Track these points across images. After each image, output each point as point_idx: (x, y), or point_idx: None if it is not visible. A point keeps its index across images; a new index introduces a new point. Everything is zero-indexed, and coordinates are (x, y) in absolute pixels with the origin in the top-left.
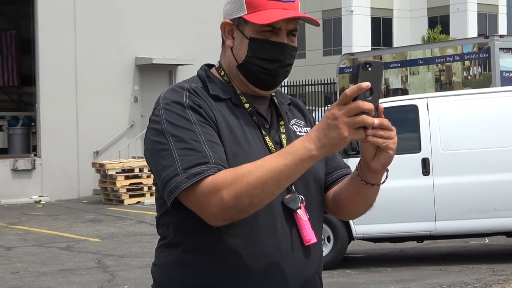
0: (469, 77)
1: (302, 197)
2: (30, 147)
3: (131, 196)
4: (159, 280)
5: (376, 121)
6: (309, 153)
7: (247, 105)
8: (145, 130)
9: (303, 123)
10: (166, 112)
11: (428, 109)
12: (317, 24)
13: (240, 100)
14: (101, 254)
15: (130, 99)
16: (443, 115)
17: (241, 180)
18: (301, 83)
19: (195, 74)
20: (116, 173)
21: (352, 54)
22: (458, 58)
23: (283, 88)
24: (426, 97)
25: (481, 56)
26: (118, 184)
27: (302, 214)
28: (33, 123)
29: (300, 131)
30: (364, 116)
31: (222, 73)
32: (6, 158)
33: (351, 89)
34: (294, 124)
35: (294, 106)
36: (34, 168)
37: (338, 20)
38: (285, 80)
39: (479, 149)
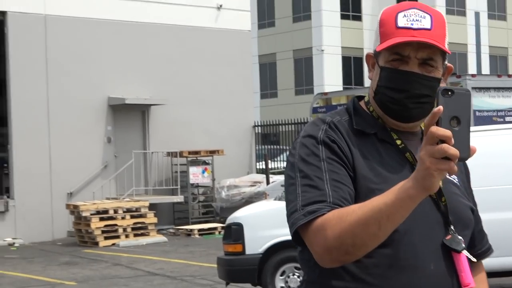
0: None
1: (462, 238)
2: (3, 189)
3: (106, 238)
4: None
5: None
6: (407, 191)
7: (398, 142)
8: (119, 171)
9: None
10: (301, 146)
11: None
12: (447, 52)
13: (390, 136)
14: None
15: (103, 139)
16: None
17: (345, 219)
18: (273, 123)
19: (168, 116)
20: (91, 214)
21: (325, 93)
22: None
23: (256, 128)
24: None
25: None
26: (93, 225)
27: (468, 255)
28: (5, 164)
29: (449, 176)
30: (445, 146)
31: (371, 108)
32: None
33: (428, 119)
34: None
35: None
36: (7, 210)
37: (309, 59)
38: (256, 120)
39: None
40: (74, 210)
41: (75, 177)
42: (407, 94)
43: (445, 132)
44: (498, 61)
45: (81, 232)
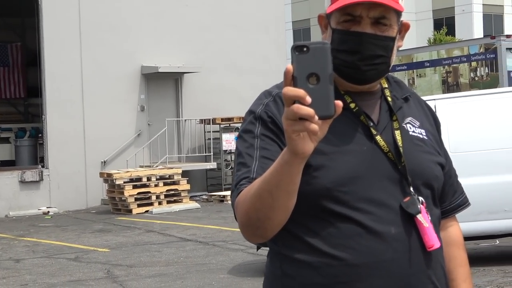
0: (476, 78)
1: (422, 199)
2: (38, 159)
3: (139, 206)
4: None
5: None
6: (282, 156)
7: (352, 105)
8: (152, 139)
9: (418, 123)
10: (243, 121)
11: (436, 111)
12: (400, 10)
13: (343, 99)
14: (110, 264)
15: (136, 108)
16: (451, 116)
17: (248, 195)
18: None
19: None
20: (124, 182)
21: None
22: (465, 59)
23: None
24: (434, 99)
25: (488, 57)
26: (126, 193)
27: (422, 219)
28: (40, 135)
29: (413, 131)
30: (295, 106)
31: None
32: (14, 170)
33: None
34: (408, 122)
35: (416, 101)
36: (42, 180)
37: None
38: None
39: (488, 150)
40: (107, 178)
41: (109, 146)
42: (360, 56)
43: (296, 91)
44: None
45: (115, 200)
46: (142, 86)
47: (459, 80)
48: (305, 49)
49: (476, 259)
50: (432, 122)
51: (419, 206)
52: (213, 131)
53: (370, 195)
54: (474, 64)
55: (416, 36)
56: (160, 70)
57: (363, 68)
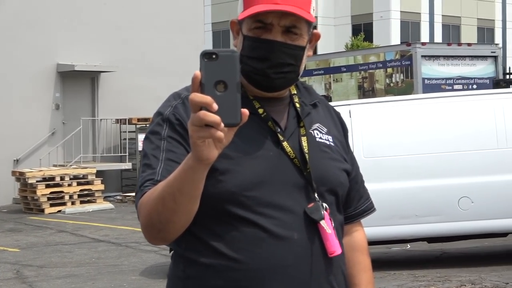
0: (392, 84)
1: (326, 205)
2: None
3: (52, 205)
4: None
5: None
6: (187, 161)
7: (261, 111)
8: (66, 138)
9: (325, 129)
10: (151, 122)
11: (350, 116)
12: (311, 21)
13: (252, 105)
14: (20, 264)
15: (51, 106)
16: (366, 122)
17: (151, 197)
18: None
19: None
20: (37, 181)
21: None
22: (381, 65)
23: None
24: (349, 104)
25: (403, 64)
26: (39, 192)
27: (325, 226)
28: None
29: (320, 138)
30: (201, 113)
31: None
32: None
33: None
34: (316, 129)
35: (324, 107)
36: None
37: None
38: None
39: (401, 155)
40: (20, 177)
41: (22, 144)
42: (269, 63)
43: (203, 98)
44: (450, 31)
45: (27, 199)
46: (58, 84)
47: (375, 85)
48: (214, 56)
49: (387, 263)
50: (339, 128)
51: (323, 212)
52: (129, 131)
53: (275, 200)
54: (389, 70)
55: (334, 41)
56: (76, 69)
57: (272, 76)
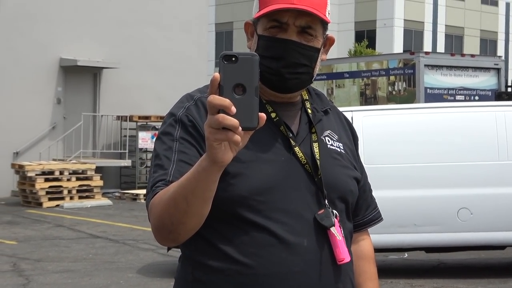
0: (394, 92)
1: (336, 212)
2: None
3: (50, 199)
4: None
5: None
6: (201, 163)
7: (273, 115)
8: (67, 132)
9: (336, 136)
10: (163, 123)
11: (352, 123)
12: (327, 21)
13: (264, 108)
14: (17, 257)
15: (53, 100)
16: (367, 129)
17: (163, 198)
18: None
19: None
20: (36, 175)
21: None
22: (384, 73)
23: None
24: (351, 111)
25: (406, 72)
26: (38, 186)
27: (335, 232)
28: None
29: (332, 145)
30: (220, 115)
31: None
32: None
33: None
34: (327, 135)
35: (335, 115)
36: None
37: None
38: None
39: (401, 164)
40: (19, 170)
41: (22, 137)
42: (284, 63)
43: (222, 101)
44: (453, 41)
45: (25, 192)
46: (60, 78)
47: (377, 93)
48: (233, 59)
49: (384, 271)
50: (350, 136)
51: (333, 219)
52: (129, 129)
53: (285, 206)
54: (392, 78)
55: (337, 47)
56: (79, 64)
57: (286, 76)
